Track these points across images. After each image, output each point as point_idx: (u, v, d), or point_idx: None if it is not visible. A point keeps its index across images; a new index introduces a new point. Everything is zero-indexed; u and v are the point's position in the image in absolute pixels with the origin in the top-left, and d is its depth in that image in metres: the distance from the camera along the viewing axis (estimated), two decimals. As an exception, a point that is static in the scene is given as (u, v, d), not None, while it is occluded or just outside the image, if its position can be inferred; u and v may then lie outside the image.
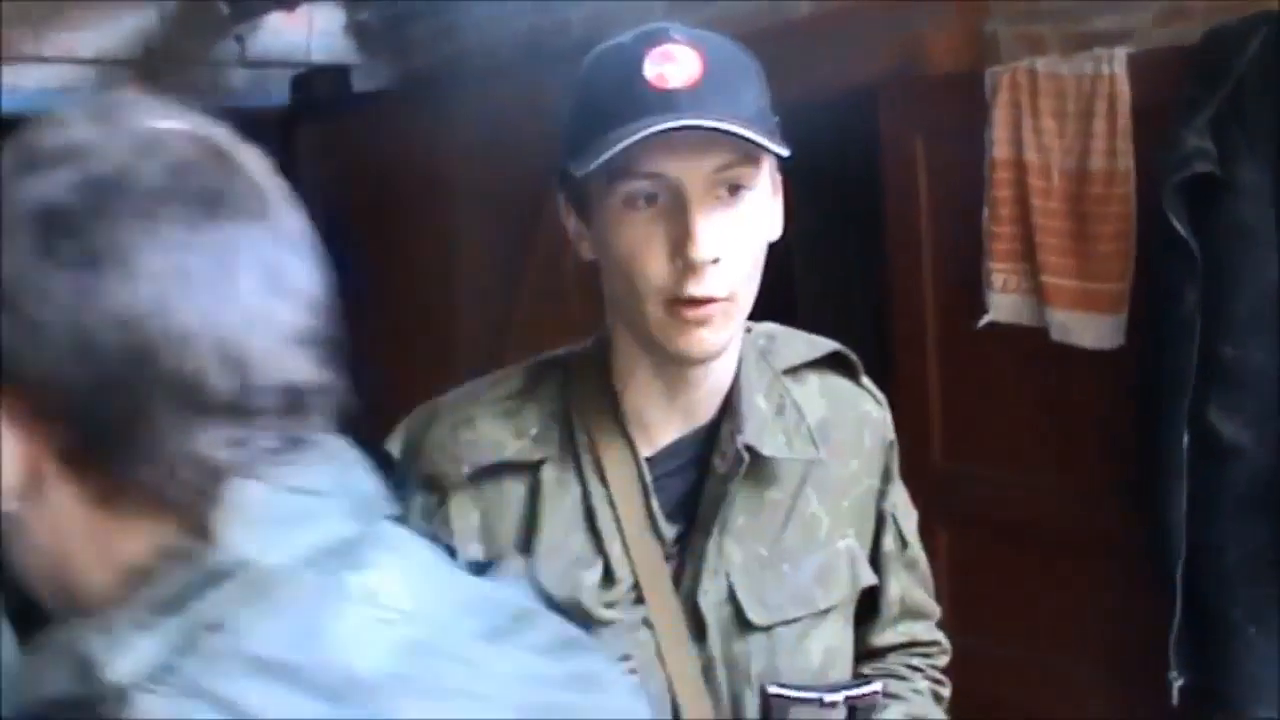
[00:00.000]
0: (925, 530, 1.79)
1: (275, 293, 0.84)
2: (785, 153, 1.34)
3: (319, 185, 4.61)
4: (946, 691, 1.75)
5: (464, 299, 4.11)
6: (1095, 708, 2.98)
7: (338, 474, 0.88)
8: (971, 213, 3.05)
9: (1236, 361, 2.54)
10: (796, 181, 4.65)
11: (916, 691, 1.68)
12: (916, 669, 1.71)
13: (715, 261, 1.33)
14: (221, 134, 0.90)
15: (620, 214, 1.35)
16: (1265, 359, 2.53)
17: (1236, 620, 2.57)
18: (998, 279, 3.01)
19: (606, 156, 1.29)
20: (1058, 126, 2.89)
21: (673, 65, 1.32)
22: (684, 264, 1.32)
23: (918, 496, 2.47)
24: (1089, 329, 2.87)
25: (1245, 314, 2.54)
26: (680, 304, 1.35)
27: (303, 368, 0.85)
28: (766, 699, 1.46)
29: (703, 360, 1.40)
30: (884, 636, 1.66)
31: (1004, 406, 3.12)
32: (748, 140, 1.30)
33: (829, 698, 1.47)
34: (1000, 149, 2.97)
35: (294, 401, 0.84)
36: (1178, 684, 2.68)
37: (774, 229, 1.44)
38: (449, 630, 0.86)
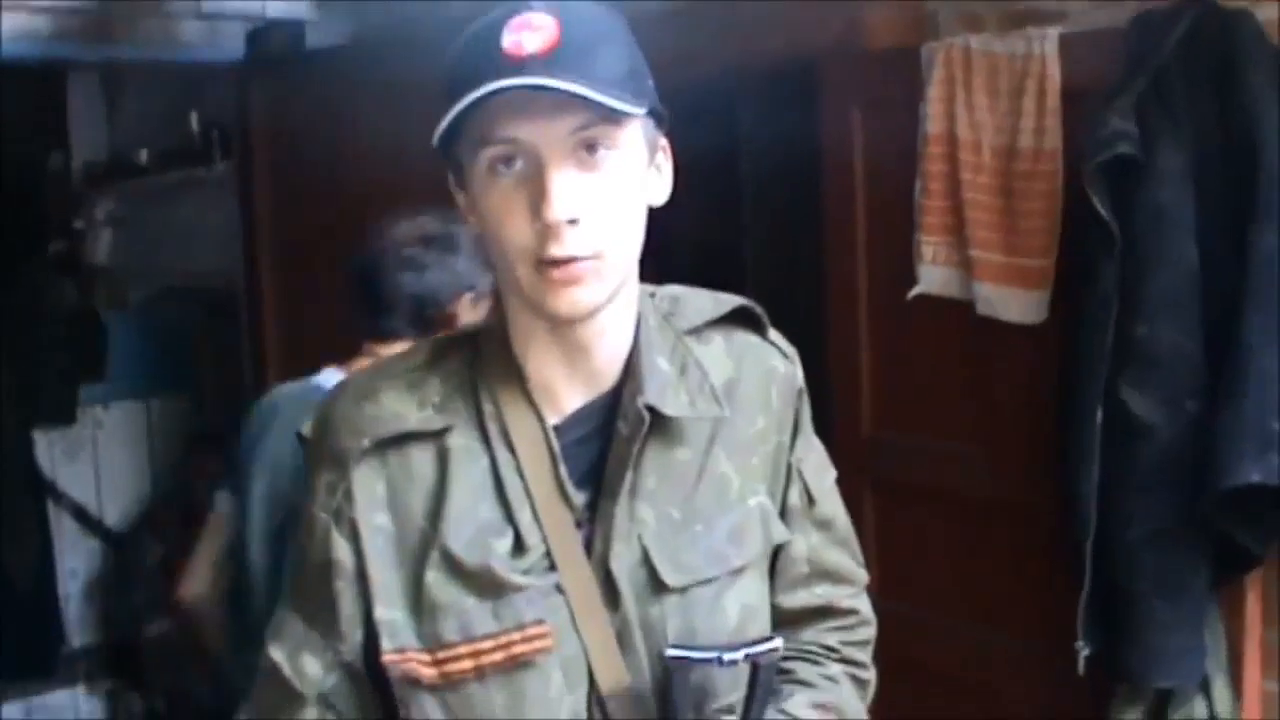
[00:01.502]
0: (852, 496, 1.78)
1: None
2: (641, 111, 1.37)
3: (272, 137, 4.61)
4: (867, 674, 1.72)
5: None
6: (1007, 673, 3.04)
7: None
8: (906, 186, 3.08)
9: (1149, 341, 2.57)
10: (744, 151, 4.65)
11: (828, 678, 1.66)
12: (831, 649, 1.68)
13: (574, 222, 1.35)
14: None
15: (486, 180, 1.38)
16: (1176, 340, 2.56)
17: (1142, 593, 2.60)
18: (928, 251, 3.05)
19: (446, 123, 1.33)
20: (990, 103, 2.91)
21: (529, 33, 1.33)
22: (543, 225, 1.35)
23: (847, 463, 2.52)
24: (1013, 303, 2.91)
25: (1159, 295, 2.56)
26: (547, 265, 1.37)
27: None
28: (666, 662, 1.46)
29: (574, 319, 1.42)
30: (796, 597, 1.63)
31: (932, 377, 3.17)
32: (584, 98, 1.32)
33: (728, 656, 1.45)
34: (934, 124, 3.00)
35: None
36: (1084, 653, 2.71)
37: (655, 193, 1.47)
38: None
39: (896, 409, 3.26)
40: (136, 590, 5.65)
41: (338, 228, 4.24)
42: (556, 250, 1.35)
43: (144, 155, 5.62)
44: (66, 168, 6.07)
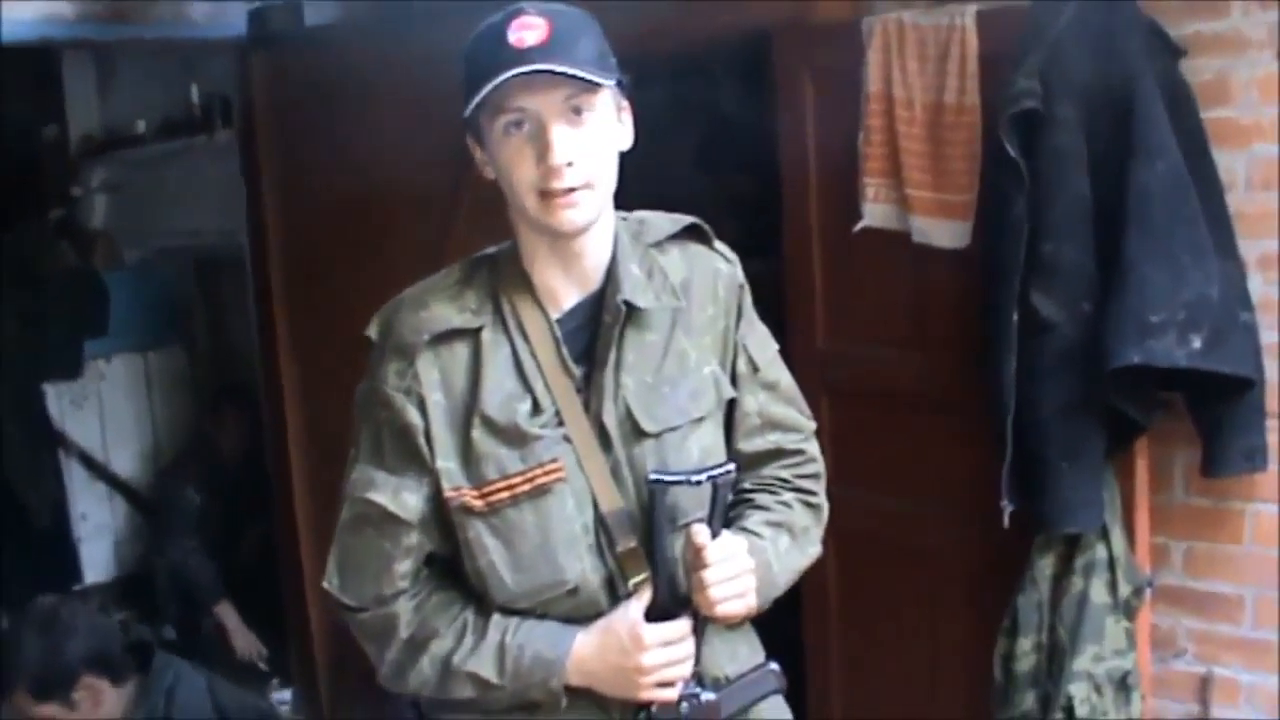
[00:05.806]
0: (810, 399, 2.21)
1: None
2: (610, 82, 1.80)
3: (273, 107, 4.81)
4: (817, 500, 2.09)
5: (405, 216, 4.32)
6: (948, 535, 3.44)
7: None
8: (850, 138, 3.41)
9: (1052, 256, 2.94)
10: (702, 110, 5.03)
11: (782, 503, 2.04)
12: (784, 481, 2.06)
13: (569, 164, 1.76)
14: None
15: (502, 138, 1.79)
16: (1074, 254, 2.93)
17: (1051, 458, 2.98)
18: (870, 191, 3.40)
19: (480, 98, 1.74)
20: (919, 67, 3.28)
21: (528, 31, 1.75)
22: (546, 167, 1.76)
23: (804, 372, 2.97)
24: (943, 232, 3.28)
25: (1059, 220, 2.93)
26: (550, 195, 1.77)
27: None
28: (649, 485, 1.86)
29: (573, 233, 1.82)
30: (752, 444, 2.02)
31: (875, 297, 3.54)
32: (573, 76, 1.73)
33: (695, 478, 1.85)
34: (873, 85, 3.35)
35: None
36: (1008, 510, 3.09)
37: (623, 140, 1.89)
38: None
39: (847, 325, 3.63)
40: (182, 539, 5.58)
41: (340, 191, 4.50)
42: (557, 184, 1.77)
43: (141, 126, 5.93)
44: (63, 140, 6.32)
